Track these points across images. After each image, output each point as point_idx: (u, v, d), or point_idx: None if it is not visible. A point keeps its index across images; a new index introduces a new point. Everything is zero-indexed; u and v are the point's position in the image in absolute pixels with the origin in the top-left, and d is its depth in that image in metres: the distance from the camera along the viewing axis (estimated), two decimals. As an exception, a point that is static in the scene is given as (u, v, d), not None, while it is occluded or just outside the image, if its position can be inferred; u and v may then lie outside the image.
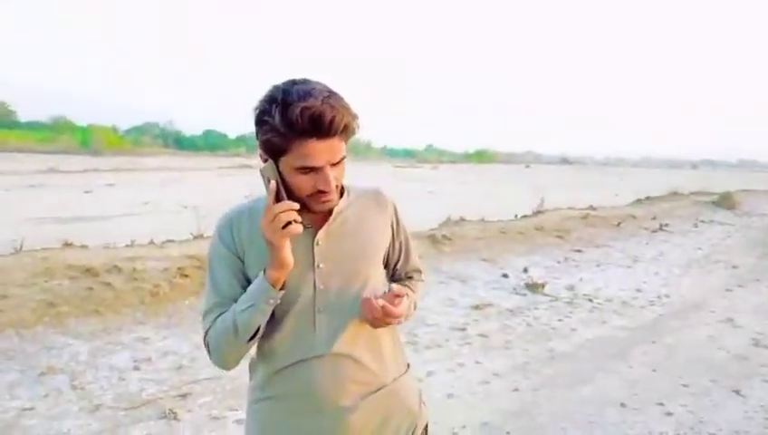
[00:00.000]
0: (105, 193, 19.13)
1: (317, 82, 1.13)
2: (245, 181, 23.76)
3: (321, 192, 1.16)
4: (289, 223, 1.10)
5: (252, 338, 1.20)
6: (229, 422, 3.26)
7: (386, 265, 1.43)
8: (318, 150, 1.10)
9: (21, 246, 5.75)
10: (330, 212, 1.26)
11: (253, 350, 1.31)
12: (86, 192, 18.96)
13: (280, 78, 1.14)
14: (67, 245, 6.06)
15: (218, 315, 1.24)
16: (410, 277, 1.51)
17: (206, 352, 1.28)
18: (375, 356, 1.32)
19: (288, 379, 1.28)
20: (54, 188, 20.09)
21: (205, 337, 1.26)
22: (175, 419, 3.25)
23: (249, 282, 1.24)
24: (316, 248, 1.25)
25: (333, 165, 1.15)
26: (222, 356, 1.24)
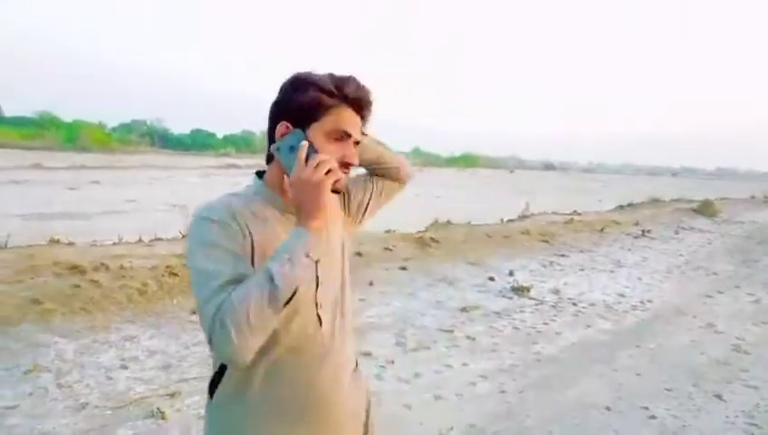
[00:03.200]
0: (91, 190, 18.87)
1: None
2: (233, 181, 23.63)
3: (345, 165, 1.18)
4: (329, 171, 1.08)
5: (288, 303, 1.02)
6: (218, 422, 3.24)
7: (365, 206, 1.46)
8: (354, 120, 1.19)
9: (6, 243, 5.67)
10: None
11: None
12: (71, 189, 18.68)
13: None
14: (53, 241, 5.99)
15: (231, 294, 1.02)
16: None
17: (212, 341, 1.01)
18: (352, 354, 1.37)
19: (282, 378, 1.20)
20: (39, 184, 19.72)
21: (213, 318, 0.99)
22: (162, 418, 3.22)
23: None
24: None
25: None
26: (245, 333, 0.98)
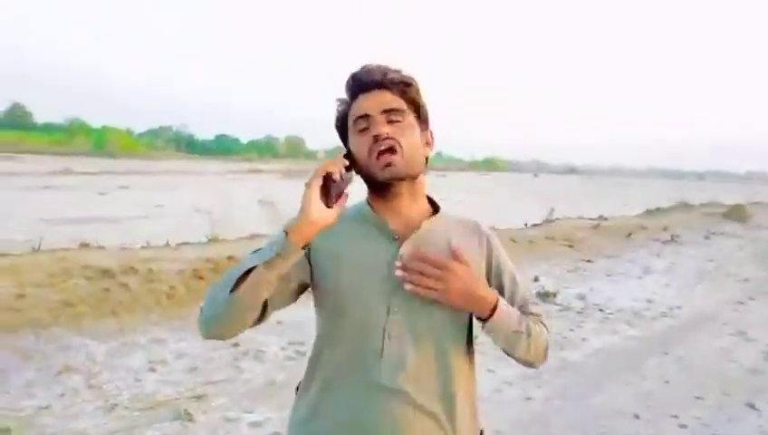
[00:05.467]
0: (119, 195, 19.22)
1: None
2: (257, 186, 23.85)
3: (377, 142, 1.10)
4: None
5: (236, 287, 1.01)
6: (243, 425, 3.28)
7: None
8: (367, 101, 1.13)
9: (39, 246, 5.81)
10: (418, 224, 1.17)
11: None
12: (100, 194, 19.06)
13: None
14: (84, 245, 6.11)
15: None
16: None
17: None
18: (445, 407, 1.14)
19: (331, 396, 1.14)
20: (69, 189, 20.17)
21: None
22: (190, 420, 3.27)
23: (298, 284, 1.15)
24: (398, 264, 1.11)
25: (390, 122, 1.12)
26: (208, 304, 1.07)
